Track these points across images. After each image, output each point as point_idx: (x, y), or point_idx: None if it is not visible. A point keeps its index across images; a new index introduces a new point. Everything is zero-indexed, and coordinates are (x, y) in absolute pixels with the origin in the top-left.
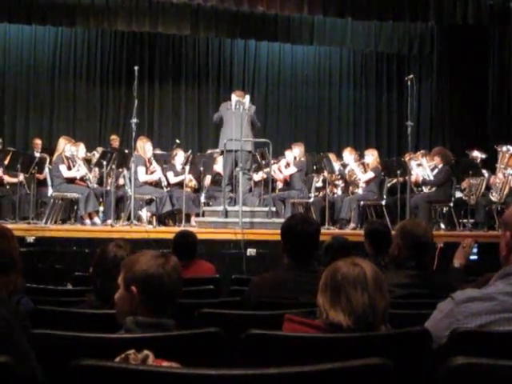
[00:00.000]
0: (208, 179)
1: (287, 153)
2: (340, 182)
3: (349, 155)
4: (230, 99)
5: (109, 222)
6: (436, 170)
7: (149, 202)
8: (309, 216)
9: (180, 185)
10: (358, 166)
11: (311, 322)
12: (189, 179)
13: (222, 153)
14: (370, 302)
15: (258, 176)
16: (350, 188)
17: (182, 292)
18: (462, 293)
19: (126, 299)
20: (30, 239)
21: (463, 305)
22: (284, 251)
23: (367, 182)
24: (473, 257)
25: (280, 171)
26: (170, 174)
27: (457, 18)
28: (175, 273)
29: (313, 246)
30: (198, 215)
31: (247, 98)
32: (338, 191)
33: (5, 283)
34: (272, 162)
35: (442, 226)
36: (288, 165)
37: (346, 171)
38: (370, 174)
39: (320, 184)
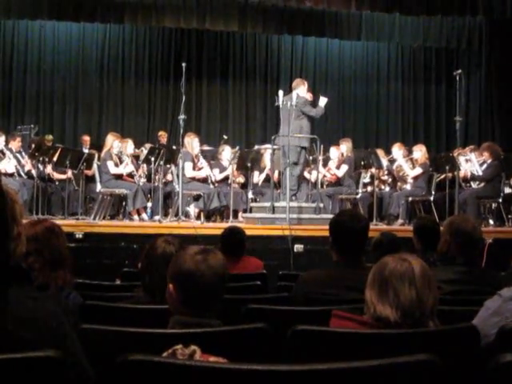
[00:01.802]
0: (256, 175)
1: (332, 150)
2: (387, 178)
3: (398, 150)
4: (277, 95)
5: (156, 217)
6: (485, 166)
7: (196, 198)
8: (358, 212)
9: (227, 180)
10: (406, 162)
11: (359, 317)
12: (236, 174)
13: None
14: (418, 298)
15: (308, 175)
16: (398, 184)
17: (224, 290)
18: (510, 290)
19: (169, 295)
20: (79, 235)
21: (511, 302)
22: (332, 248)
23: (415, 178)
24: None
25: (332, 174)
26: (215, 171)
27: (506, 13)
28: (212, 270)
29: (362, 243)
30: (245, 211)
31: (294, 92)
32: (386, 187)
33: (54, 278)
34: (320, 157)
35: (491, 221)
36: (338, 165)
37: (394, 167)
38: (418, 170)
39: (368, 180)
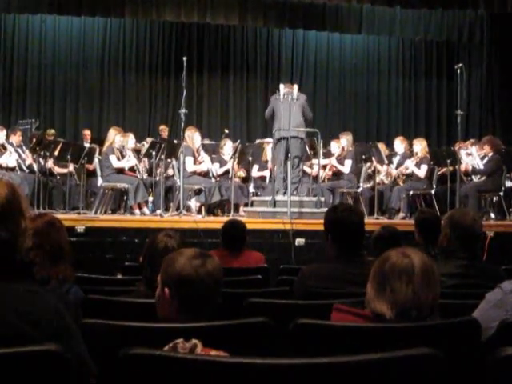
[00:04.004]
0: (255, 169)
1: (333, 144)
2: (384, 168)
3: (400, 144)
4: (278, 89)
5: (158, 212)
6: (486, 159)
7: (198, 192)
8: (352, 205)
9: (228, 175)
10: (412, 161)
11: (360, 311)
12: (237, 169)
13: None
14: (414, 296)
15: (308, 169)
16: (400, 177)
17: (220, 295)
18: (511, 283)
19: (161, 300)
20: (80, 229)
21: None
22: (331, 243)
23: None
24: None
25: (336, 170)
26: (216, 166)
27: (507, 6)
28: (211, 276)
29: (360, 236)
30: (246, 205)
31: (295, 87)
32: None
33: (55, 272)
34: (321, 151)
35: (492, 215)
36: (340, 160)
37: (402, 166)
38: (425, 168)
39: (370, 173)
